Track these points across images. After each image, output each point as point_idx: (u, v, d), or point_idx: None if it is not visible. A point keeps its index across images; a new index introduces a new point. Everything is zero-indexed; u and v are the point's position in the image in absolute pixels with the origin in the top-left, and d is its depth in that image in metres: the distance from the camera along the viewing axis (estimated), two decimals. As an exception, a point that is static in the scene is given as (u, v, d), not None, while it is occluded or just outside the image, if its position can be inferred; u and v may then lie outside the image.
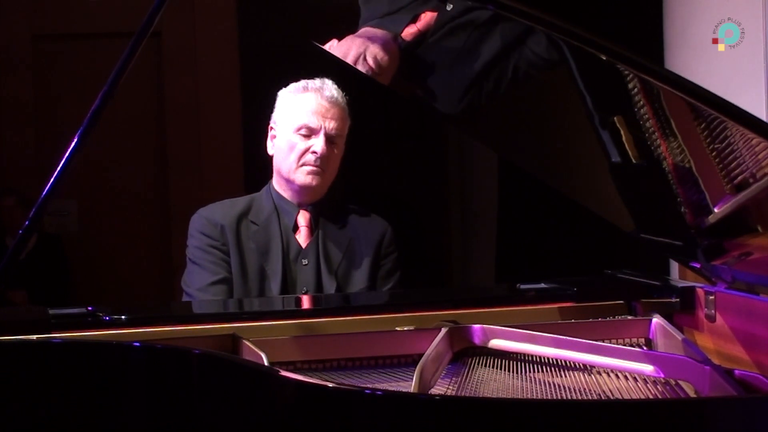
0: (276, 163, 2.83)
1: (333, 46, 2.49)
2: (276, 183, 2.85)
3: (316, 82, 2.82)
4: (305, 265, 2.78)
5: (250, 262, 2.76)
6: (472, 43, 2.30)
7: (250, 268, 2.75)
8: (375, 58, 2.42)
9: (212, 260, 2.75)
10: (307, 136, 2.77)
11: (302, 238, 2.81)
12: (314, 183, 2.78)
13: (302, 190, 2.80)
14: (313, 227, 2.82)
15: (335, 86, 2.83)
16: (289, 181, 2.80)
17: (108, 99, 2.27)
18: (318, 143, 2.75)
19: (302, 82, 2.84)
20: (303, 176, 2.77)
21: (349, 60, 2.46)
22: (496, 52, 2.26)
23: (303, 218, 2.83)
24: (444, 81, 2.51)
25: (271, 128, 2.85)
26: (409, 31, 2.34)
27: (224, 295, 2.72)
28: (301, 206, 2.83)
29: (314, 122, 2.77)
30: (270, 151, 2.85)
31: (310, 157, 2.76)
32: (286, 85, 2.86)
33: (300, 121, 2.77)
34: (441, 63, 2.46)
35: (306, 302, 2.70)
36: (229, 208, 2.82)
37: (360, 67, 2.45)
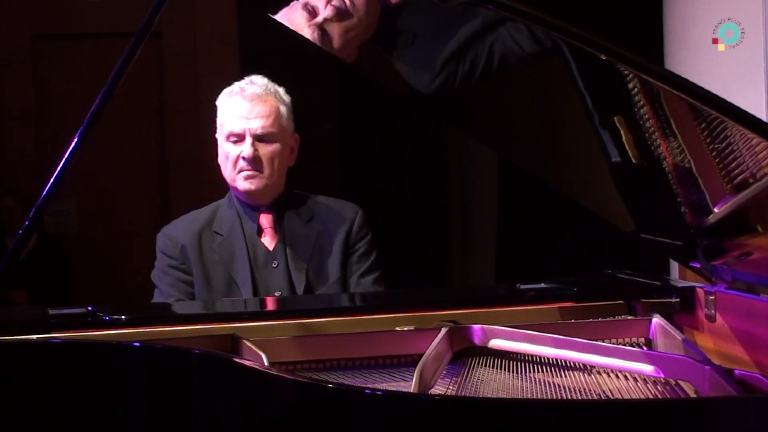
0: (222, 173, 2.82)
1: None
2: (231, 190, 2.84)
3: (242, 83, 2.79)
4: (275, 267, 2.76)
5: (216, 274, 2.74)
6: (455, 17, 2.26)
7: (216, 280, 2.73)
8: None
9: (168, 281, 2.75)
10: (237, 142, 2.75)
11: (268, 240, 2.79)
12: (254, 187, 2.75)
13: (248, 195, 2.78)
14: (277, 227, 2.80)
15: (263, 81, 2.79)
16: (234, 189, 2.79)
17: (108, 99, 2.27)
18: (246, 148, 2.73)
19: (231, 86, 2.81)
20: (241, 182, 2.75)
21: None
22: (476, 29, 2.23)
23: (266, 220, 2.80)
24: (422, 53, 2.44)
25: (216, 138, 2.84)
26: None
27: None
28: (261, 208, 2.80)
29: (237, 127, 2.74)
30: (219, 161, 2.83)
31: (242, 163, 2.74)
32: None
33: (227, 128, 2.76)
34: (421, 33, 2.38)
35: (306, 302, 2.70)
36: (191, 224, 2.81)
37: (333, 5, 2.35)
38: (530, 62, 2.21)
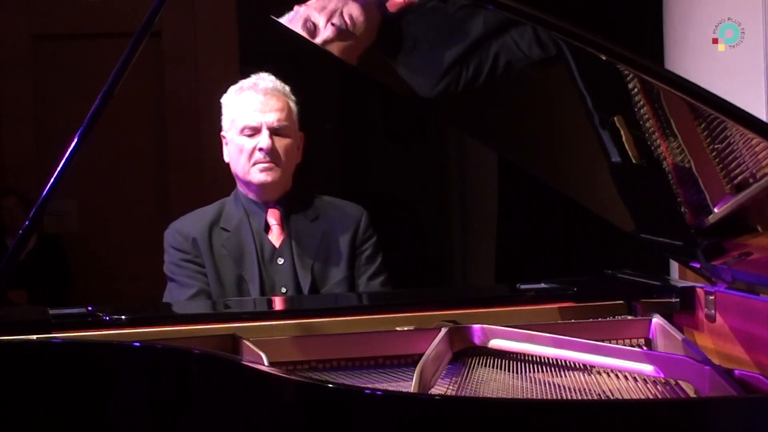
0: (233, 169, 2.82)
1: (309, 3, 2.40)
2: (240, 187, 2.84)
3: (251, 79, 2.81)
4: (281, 264, 2.76)
5: (226, 269, 2.75)
6: (457, 22, 2.26)
7: (226, 275, 2.74)
8: (351, 17, 2.33)
9: (187, 274, 2.75)
10: (252, 135, 2.76)
11: (275, 237, 2.79)
12: (270, 179, 2.76)
13: (261, 188, 2.78)
14: (284, 224, 2.80)
15: (272, 77, 2.81)
16: (247, 183, 2.79)
17: (108, 99, 2.27)
18: (263, 139, 2.74)
19: (239, 84, 2.83)
20: (257, 174, 2.76)
21: (325, 14, 2.36)
22: (480, 35, 2.23)
23: (273, 217, 2.81)
24: (424, 59, 2.44)
25: (223, 137, 2.84)
26: (394, 1, 2.30)
27: None
28: (269, 205, 2.81)
29: (254, 120, 2.75)
30: (226, 158, 2.84)
31: (258, 155, 2.75)
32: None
33: (241, 122, 2.77)
34: (423, 39, 2.37)
35: (306, 302, 2.70)
36: (199, 220, 2.82)
37: (333, 24, 2.34)
38: (536, 67, 2.21)
